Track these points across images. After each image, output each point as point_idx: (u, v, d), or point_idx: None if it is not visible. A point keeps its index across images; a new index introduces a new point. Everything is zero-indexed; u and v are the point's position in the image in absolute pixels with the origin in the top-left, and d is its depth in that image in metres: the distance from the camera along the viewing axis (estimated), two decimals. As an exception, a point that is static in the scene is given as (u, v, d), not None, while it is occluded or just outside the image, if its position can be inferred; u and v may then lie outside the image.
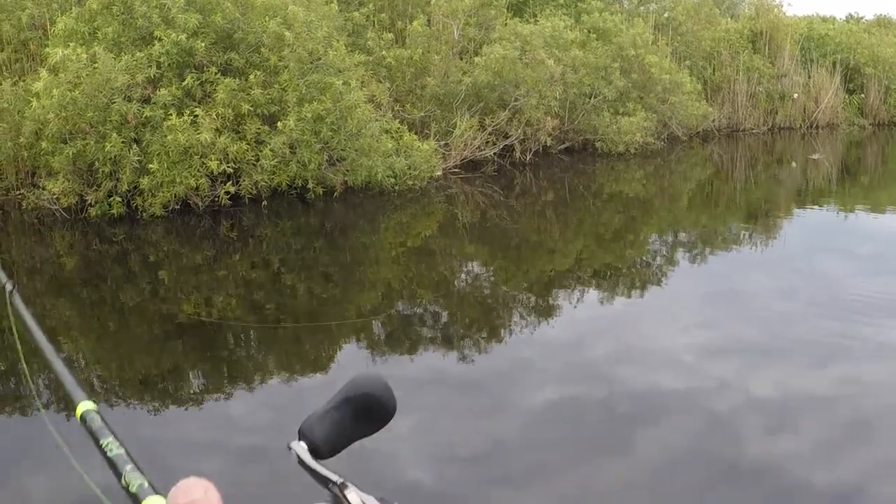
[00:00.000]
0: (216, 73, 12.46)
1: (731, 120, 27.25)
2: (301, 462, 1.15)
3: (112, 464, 1.19)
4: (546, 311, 8.59)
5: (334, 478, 1.13)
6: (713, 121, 25.64)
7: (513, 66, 17.19)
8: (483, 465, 5.17)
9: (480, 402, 6.20)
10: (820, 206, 16.28)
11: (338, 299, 8.94)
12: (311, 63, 13.03)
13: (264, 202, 12.49)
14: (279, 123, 12.39)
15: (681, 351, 7.35)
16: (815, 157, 23.08)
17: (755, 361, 7.14)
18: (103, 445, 1.25)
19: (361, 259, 10.93)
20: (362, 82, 14.43)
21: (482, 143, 17.08)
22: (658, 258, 11.42)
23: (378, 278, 9.96)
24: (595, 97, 19.76)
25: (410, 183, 14.02)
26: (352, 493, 1.10)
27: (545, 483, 4.98)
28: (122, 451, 1.30)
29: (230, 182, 12.11)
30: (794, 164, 22.26)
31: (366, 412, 1.12)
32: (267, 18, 13.11)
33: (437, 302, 8.92)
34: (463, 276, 10.30)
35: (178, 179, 11.57)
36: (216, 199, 12.03)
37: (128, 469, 1.23)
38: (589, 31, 21.17)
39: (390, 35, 17.26)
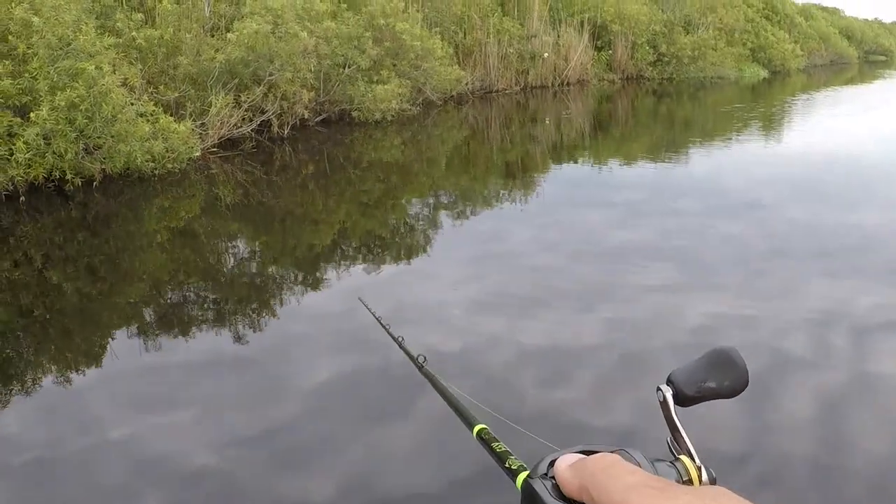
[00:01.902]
0: (-39, 66, 12.13)
1: (484, 82, 27.89)
2: (663, 404, 1.26)
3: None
4: (314, 284, 8.81)
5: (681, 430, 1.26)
6: (467, 84, 26.21)
7: (266, 41, 17.24)
8: (268, 443, 5.32)
9: (258, 382, 6.32)
10: (575, 160, 16.98)
11: (106, 292, 8.90)
12: (62, 49, 12.76)
13: (22, 198, 12.19)
14: (32, 114, 12.11)
15: (452, 308, 7.69)
16: (566, 113, 23.84)
17: (525, 313, 7.53)
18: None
19: (126, 247, 10.86)
20: (114, 66, 14.22)
21: (239, 120, 17.08)
22: (421, 221, 11.78)
23: (145, 266, 9.93)
24: (349, 67, 19.97)
25: (170, 166, 13.93)
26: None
27: (333, 454, 5.16)
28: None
29: (-17, 179, 11.76)
30: (547, 121, 23.00)
31: (725, 376, 1.24)
32: (13, 4, 12.79)
33: (206, 285, 9.00)
34: (230, 256, 10.38)
35: (-72, 179, 11.23)
36: (-30, 197, 11.71)
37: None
38: (339, 2, 21.32)
39: (140, 15, 17.01)
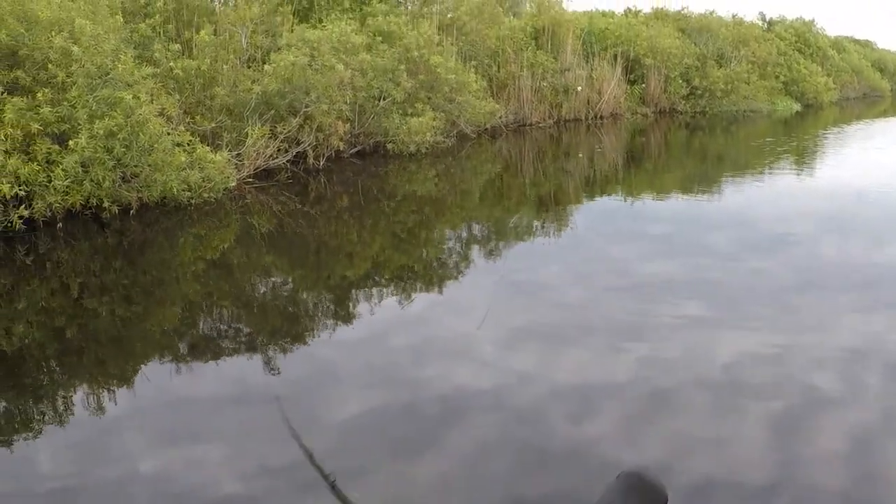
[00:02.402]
0: (2, 93, 12.23)
1: (517, 115, 27.93)
2: None
3: None
4: (347, 316, 8.84)
5: None
6: (500, 117, 26.24)
7: (302, 73, 17.34)
8: (298, 475, 5.33)
9: (289, 412, 6.21)
10: (608, 193, 17.00)
11: (140, 318, 8.96)
12: (100, 78, 12.89)
13: (59, 224, 12.30)
14: (70, 142, 12.23)
15: (482, 344, 7.70)
16: (598, 148, 23.87)
17: (555, 348, 7.53)
18: None
19: (161, 277, 10.93)
20: (152, 95, 14.34)
21: (275, 151, 17.15)
22: (453, 254, 11.80)
23: (179, 295, 9.98)
24: (384, 99, 20.07)
25: (206, 196, 14.01)
26: None
27: (361, 486, 5.15)
28: None
29: (23, 206, 11.86)
30: (580, 154, 22.99)
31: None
32: (53, 33, 12.93)
33: (239, 315, 9.05)
34: (264, 287, 10.42)
35: (-34, 205, 11.32)
36: (9, 224, 11.76)
37: None
38: (374, 35, 21.43)
39: (177, 46, 17.14)
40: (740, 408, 6.23)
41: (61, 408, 6.59)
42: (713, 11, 40.93)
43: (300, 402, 6.61)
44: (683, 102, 35.31)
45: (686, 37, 36.67)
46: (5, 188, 11.43)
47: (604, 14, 38.14)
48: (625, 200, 16.10)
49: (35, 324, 8.72)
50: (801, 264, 10.72)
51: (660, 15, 39.17)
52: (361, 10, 23.72)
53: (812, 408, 6.27)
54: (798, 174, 20.13)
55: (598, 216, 14.51)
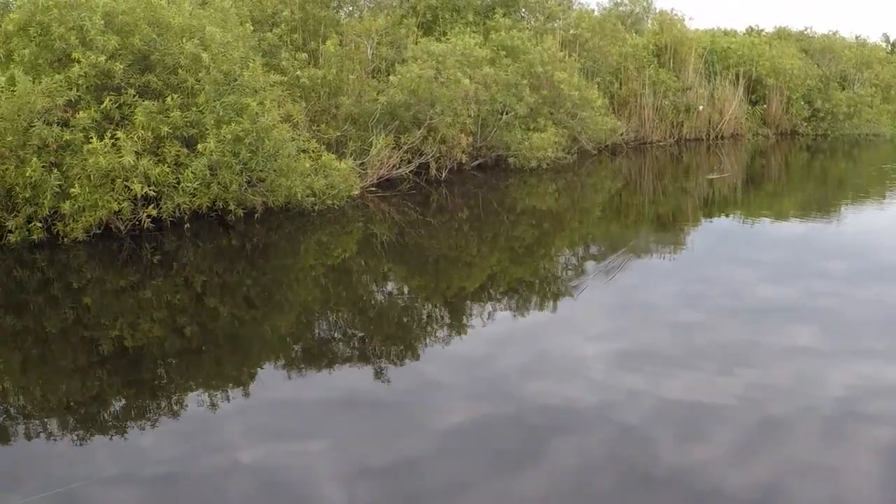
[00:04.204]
0: (134, 96, 12.48)
1: (638, 133, 27.75)
2: None
3: None
4: (462, 327, 8.80)
5: None
6: (621, 134, 26.07)
7: (428, 85, 17.42)
8: (399, 481, 5.34)
9: (396, 420, 6.33)
10: (726, 215, 16.74)
11: (259, 321, 9.05)
12: (228, 84, 13.11)
13: (186, 225, 12.56)
14: (199, 146, 12.45)
15: (592, 361, 7.59)
16: (716, 170, 23.53)
17: (664, 370, 7.38)
18: None
19: (282, 280, 11.05)
20: (278, 102, 14.53)
21: (398, 161, 17.28)
22: (569, 270, 11.71)
23: (298, 299, 10.08)
24: (507, 114, 20.07)
25: (329, 202, 14.16)
26: None
27: (463, 498, 5.16)
28: None
29: (151, 205, 12.11)
30: (711, 175, 22.61)
31: None
32: (184, 40, 13.17)
33: (354, 321, 9.08)
34: (381, 294, 10.47)
35: (100, 203, 11.58)
36: (138, 222, 12.03)
37: None
38: (498, 49, 21.44)
39: (304, 55, 17.39)
40: (852, 438, 6.03)
41: (175, 401, 6.69)
42: (836, 32, 40.05)
43: (406, 409, 6.61)
44: (805, 124, 34.64)
45: (808, 57, 36.03)
46: (136, 188, 11.67)
47: (726, 33, 37.68)
48: (742, 222, 15.83)
49: (158, 320, 8.88)
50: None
51: (782, 34, 38.52)
52: (485, 24, 23.76)
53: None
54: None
55: (714, 237, 14.28)
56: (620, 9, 33.11)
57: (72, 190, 11.42)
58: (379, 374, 7.33)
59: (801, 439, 6.00)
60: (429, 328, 8.84)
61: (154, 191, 12.05)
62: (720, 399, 6.71)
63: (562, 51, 23.34)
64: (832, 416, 6.39)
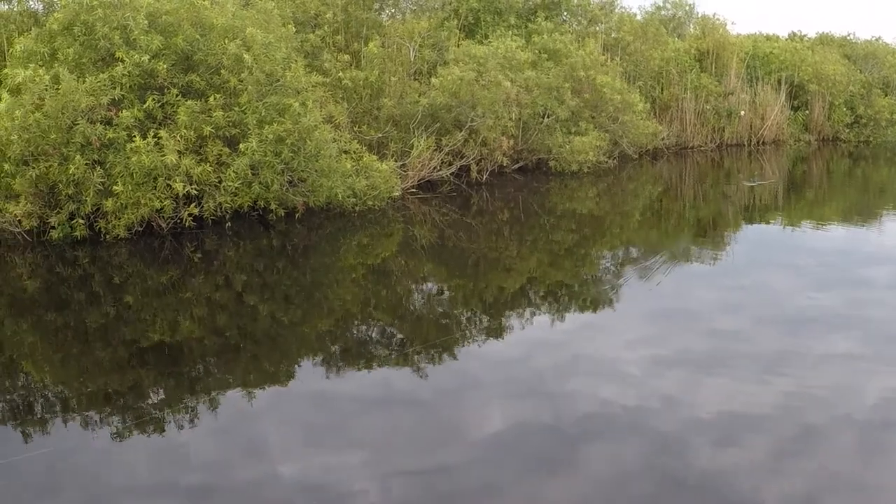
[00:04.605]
0: (177, 95, 12.54)
1: (679, 138, 27.60)
2: None
3: None
4: (499, 329, 8.80)
5: None
6: (662, 139, 25.96)
7: (469, 88, 17.42)
8: (432, 482, 5.35)
9: (431, 421, 6.37)
10: (766, 221, 16.61)
11: (298, 321, 9.09)
12: (270, 85, 13.14)
13: (227, 224, 12.61)
14: (241, 145, 12.50)
15: (629, 366, 7.55)
16: (755, 178, 23.33)
17: (702, 376, 7.34)
18: None
19: (322, 280, 11.08)
20: (320, 103, 14.57)
21: (439, 163, 17.28)
22: (608, 274, 11.65)
23: (337, 299, 10.08)
24: (548, 117, 20.04)
25: (370, 203, 14.19)
26: None
27: (495, 501, 5.15)
28: None
29: (193, 204, 12.18)
30: (752, 182, 22.48)
31: None
32: (226, 40, 13.22)
33: (393, 322, 9.09)
34: (420, 295, 10.45)
35: (142, 201, 11.65)
36: (180, 220, 12.11)
37: None
38: (540, 52, 21.40)
39: (346, 56, 17.43)
40: (889, 448, 6.00)
41: (214, 397, 6.71)
42: (879, 38, 39.57)
43: (443, 410, 6.63)
44: (847, 131, 34.34)
45: (851, 63, 35.72)
46: (178, 186, 11.72)
47: (768, 38, 37.41)
48: (783, 228, 15.71)
49: (197, 317, 8.94)
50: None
51: (825, 40, 38.22)
52: (527, 27, 23.73)
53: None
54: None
55: (754, 243, 14.17)
56: (662, 13, 32.90)
57: (114, 188, 11.50)
58: (416, 374, 7.34)
59: (838, 450, 5.93)
60: (467, 329, 8.82)
61: (196, 189, 12.12)
62: (756, 407, 6.65)
63: (603, 54, 23.27)
64: (869, 425, 6.32)
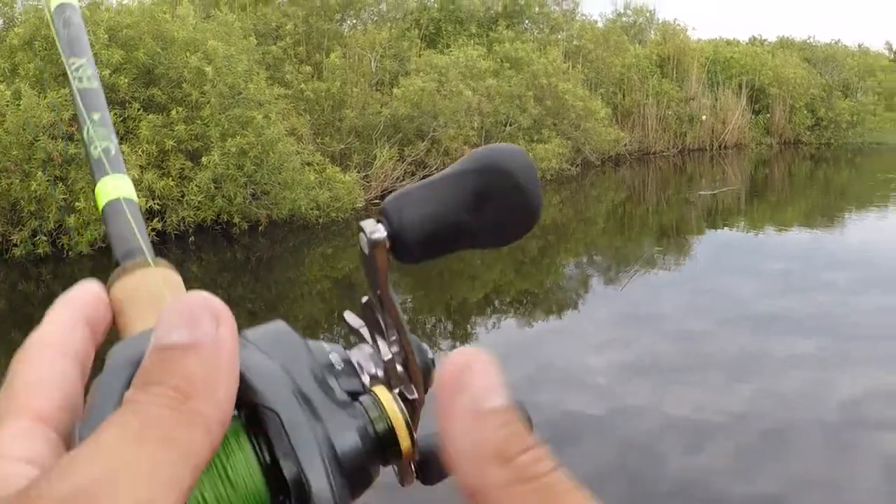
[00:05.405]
0: (138, 110, 12.53)
1: (642, 144, 27.72)
2: (369, 253, 0.61)
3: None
4: (465, 337, 8.83)
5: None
6: (625, 145, 26.07)
7: (431, 98, 17.46)
8: (396, 496, 5.35)
9: None
10: (729, 226, 16.73)
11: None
12: (233, 97, 13.15)
13: (191, 238, 12.59)
14: (204, 158, 12.49)
15: (595, 373, 7.61)
16: (717, 184, 23.49)
17: (668, 381, 7.41)
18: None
19: (287, 294, 11.08)
20: (283, 115, 14.59)
21: (402, 173, 17.29)
22: (572, 281, 11.72)
23: (303, 313, 10.09)
24: (510, 125, 20.10)
25: (333, 215, 14.19)
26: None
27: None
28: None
29: (156, 219, 12.15)
30: (713, 191, 22.61)
31: (494, 199, 0.61)
32: (188, 53, 13.21)
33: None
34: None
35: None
36: (143, 236, 12.05)
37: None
38: (502, 61, 21.48)
39: (308, 68, 17.42)
40: (857, 448, 6.05)
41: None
42: (839, 41, 39.93)
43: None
44: (808, 134, 34.56)
45: (811, 66, 35.97)
46: (141, 202, 11.61)
47: (728, 43, 37.57)
48: (746, 232, 15.83)
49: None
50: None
51: (785, 44, 38.45)
52: (488, 35, 23.80)
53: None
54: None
55: (718, 248, 14.28)
56: (623, 20, 33.07)
57: (77, 204, 11.45)
58: (384, 386, 7.36)
59: (806, 450, 6.01)
60: (432, 338, 8.86)
61: (158, 204, 12.09)
62: (724, 409, 6.71)
63: (565, 62, 23.39)
64: (837, 426, 6.40)
